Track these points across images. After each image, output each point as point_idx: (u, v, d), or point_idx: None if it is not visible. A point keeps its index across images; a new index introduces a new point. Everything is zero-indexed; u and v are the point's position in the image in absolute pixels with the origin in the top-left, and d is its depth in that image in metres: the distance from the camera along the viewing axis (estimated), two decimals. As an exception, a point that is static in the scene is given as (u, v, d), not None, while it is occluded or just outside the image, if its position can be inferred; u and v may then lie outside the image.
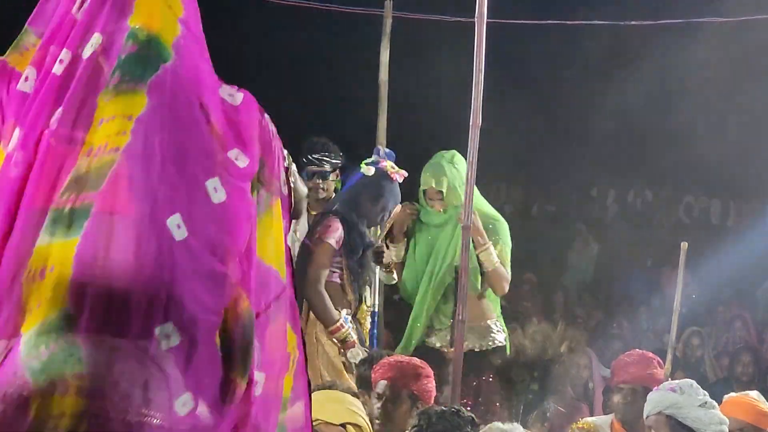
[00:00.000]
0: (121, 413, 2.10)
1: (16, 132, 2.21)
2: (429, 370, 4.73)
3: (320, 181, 6.16)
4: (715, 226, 15.40)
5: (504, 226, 6.10)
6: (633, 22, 9.29)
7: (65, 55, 2.23)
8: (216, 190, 2.23)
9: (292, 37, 13.64)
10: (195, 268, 2.17)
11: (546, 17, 9.35)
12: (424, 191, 6.03)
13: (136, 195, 2.15)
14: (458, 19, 7.61)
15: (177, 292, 2.14)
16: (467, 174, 5.10)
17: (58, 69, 2.22)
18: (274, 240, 2.33)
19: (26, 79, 2.26)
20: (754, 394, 5.13)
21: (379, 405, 4.52)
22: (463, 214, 5.12)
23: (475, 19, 5.00)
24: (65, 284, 2.11)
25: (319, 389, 3.93)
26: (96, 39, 2.23)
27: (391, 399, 4.58)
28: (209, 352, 2.19)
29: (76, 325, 2.11)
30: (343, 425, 3.78)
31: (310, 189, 5.79)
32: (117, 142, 2.17)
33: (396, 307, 10.27)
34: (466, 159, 5.15)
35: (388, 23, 6.84)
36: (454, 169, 5.95)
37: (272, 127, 2.41)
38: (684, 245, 5.34)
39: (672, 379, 5.18)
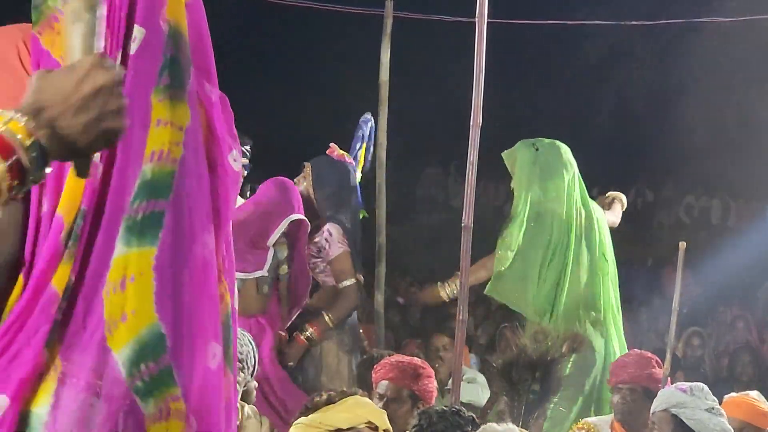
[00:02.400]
0: None
1: None
2: (430, 370, 4.73)
3: None
4: (716, 226, 15.40)
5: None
6: (633, 22, 9.30)
7: (114, 51, 2.05)
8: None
9: (292, 37, 13.65)
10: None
11: (546, 17, 9.35)
12: None
13: (194, 213, 2.14)
14: (458, 19, 7.61)
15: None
16: (467, 174, 5.08)
17: None
18: None
19: None
20: (754, 394, 5.13)
21: (380, 405, 4.52)
22: (464, 214, 5.10)
23: (476, 19, 4.99)
24: (150, 297, 2.05)
25: (346, 395, 3.94)
26: (139, 33, 2.07)
27: (393, 399, 4.59)
28: None
29: (166, 342, 2.06)
30: (385, 431, 3.83)
31: None
32: (174, 153, 2.09)
33: (397, 307, 10.29)
34: (466, 159, 5.12)
35: (388, 23, 6.83)
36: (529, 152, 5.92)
37: None
38: (682, 245, 5.31)
39: (671, 379, 5.18)
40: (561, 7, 10.94)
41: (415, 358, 4.93)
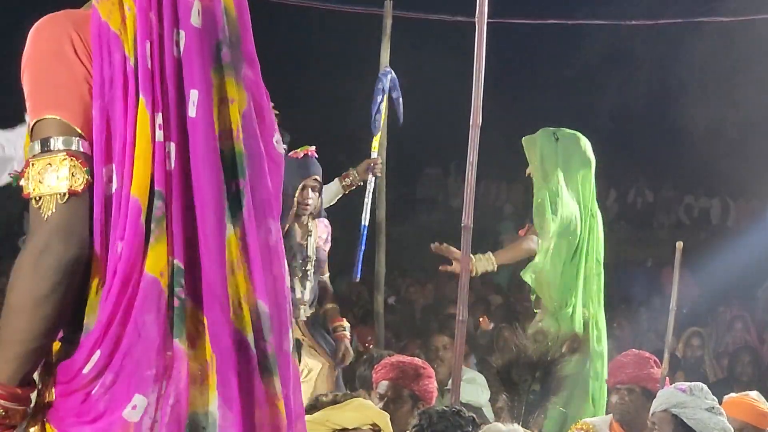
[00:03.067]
0: None
1: (159, 118, 1.99)
2: (430, 371, 4.73)
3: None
4: (715, 226, 15.43)
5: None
6: (633, 22, 9.31)
7: (169, 25, 2.03)
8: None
9: (292, 36, 13.66)
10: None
11: (546, 17, 9.36)
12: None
13: (262, 198, 2.13)
14: (458, 19, 7.61)
15: None
16: (467, 174, 5.07)
17: (169, 42, 2.02)
18: None
19: (147, 54, 2.00)
20: (754, 394, 5.13)
21: (380, 405, 4.52)
22: (464, 214, 5.09)
23: (476, 19, 4.99)
24: (249, 278, 2.04)
25: (350, 397, 3.96)
26: (197, 6, 2.04)
27: (393, 399, 4.59)
28: None
29: (271, 322, 2.07)
30: None
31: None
32: (239, 136, 2.08)
33: (394, 308, 10.28)
34: (466, 159, 5.10)
35: (388, 23, 6.83)
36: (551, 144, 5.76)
37: None
38: (679, 245, 5.29)
39: (670, 379, 5.17)
40: (561, 7, 10.94)
41: (416, 359, 4.94)
